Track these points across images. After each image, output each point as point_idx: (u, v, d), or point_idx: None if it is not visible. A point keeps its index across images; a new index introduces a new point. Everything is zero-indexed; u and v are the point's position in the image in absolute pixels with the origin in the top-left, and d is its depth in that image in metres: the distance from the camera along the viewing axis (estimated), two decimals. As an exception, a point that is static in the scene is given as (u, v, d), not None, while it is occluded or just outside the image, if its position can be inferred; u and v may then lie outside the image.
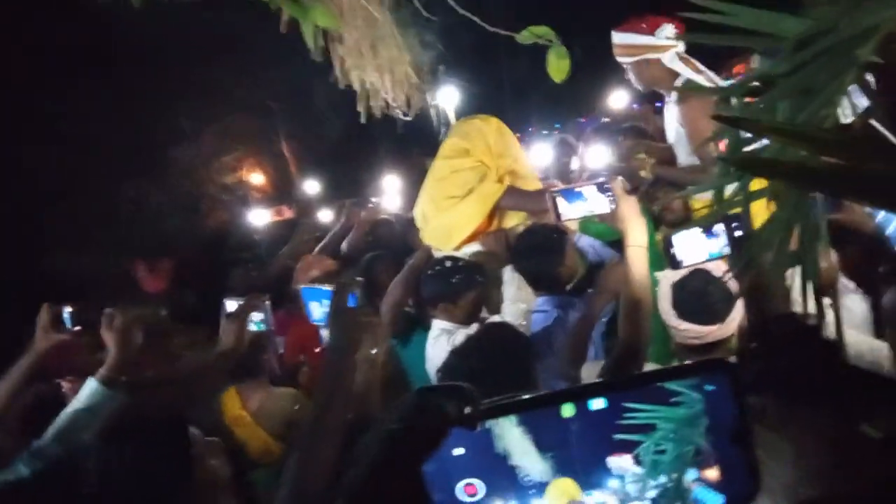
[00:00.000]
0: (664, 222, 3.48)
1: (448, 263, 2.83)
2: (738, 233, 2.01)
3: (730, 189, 1.39)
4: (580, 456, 0.60)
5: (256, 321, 2.25)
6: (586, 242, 2.99)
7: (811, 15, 1.09)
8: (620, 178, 2.19)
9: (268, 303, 2.25)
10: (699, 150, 3.08)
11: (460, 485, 0.61)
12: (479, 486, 0.61)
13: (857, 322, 2.40)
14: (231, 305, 2.28)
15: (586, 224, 3.08)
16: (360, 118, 2.86)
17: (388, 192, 6.16)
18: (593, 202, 2.18)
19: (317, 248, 4.45)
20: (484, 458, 0.61)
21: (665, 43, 3.11)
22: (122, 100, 6.90)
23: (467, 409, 0.60)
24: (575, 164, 4.39)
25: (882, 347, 2.03)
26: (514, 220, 3.09)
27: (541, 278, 2.71)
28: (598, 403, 0.60)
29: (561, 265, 2.68)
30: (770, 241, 1.35)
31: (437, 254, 3.12)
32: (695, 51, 3.22)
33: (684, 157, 3.27)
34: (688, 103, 3.11)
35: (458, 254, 3.04)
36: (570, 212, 2.23)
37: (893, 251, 2.53)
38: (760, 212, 1.44)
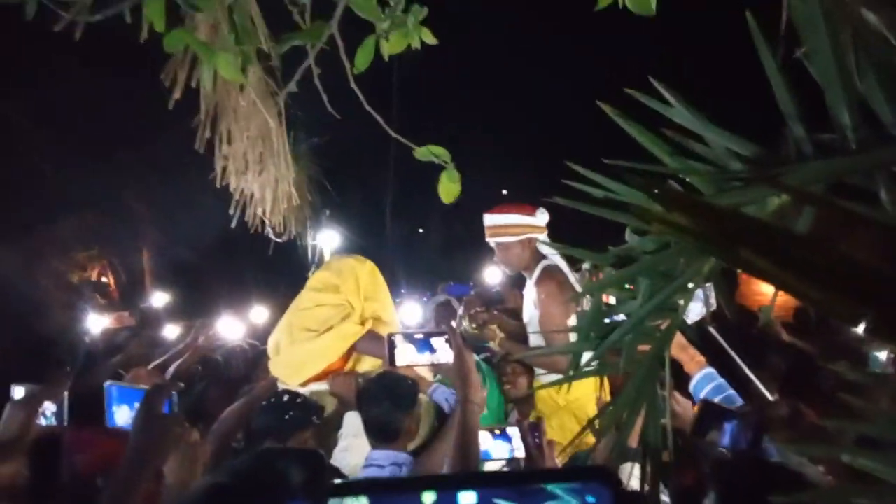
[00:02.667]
0: (508, 398, 3.53)
1: (285, 398, 2.66)
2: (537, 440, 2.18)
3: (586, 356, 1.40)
4: None
5: (48, 415, 1.95)
6: (441, 395, 2.91)
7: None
8: (462, 332, 2.27)
9: (66, 394, 1.98)
10: (547, 333, 3.22)
11: None
12: None
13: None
14: (19, 392, 1.98)
15: (446, 377, 3.04)
16: (231, 241, 2.78)
17: (242, 320, 5.91)
18: (434, 352, 2.23)
19: (152, 364, 4.09)
20: None
21: (542, 224, 3.34)
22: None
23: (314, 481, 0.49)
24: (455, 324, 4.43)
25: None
26: (368, 366, 2.99)
27: (382, 429, 2.58)
28: (467, 499, 0.51)
29: (408, 418, 2.57)
30: (610, 425, 1.35)
31: (281, 387, 2.94)
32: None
33: (535, 338, 3.39)
34: (545, 286, 3.28)
35: (302, 390, 2.87)
36: (408, 358, 2.26)
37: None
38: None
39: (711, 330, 2.14)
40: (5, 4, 1.41)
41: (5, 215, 7.05)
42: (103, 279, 9.89)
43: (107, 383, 2.00)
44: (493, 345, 3.43)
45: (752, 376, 2.23)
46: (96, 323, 6.30)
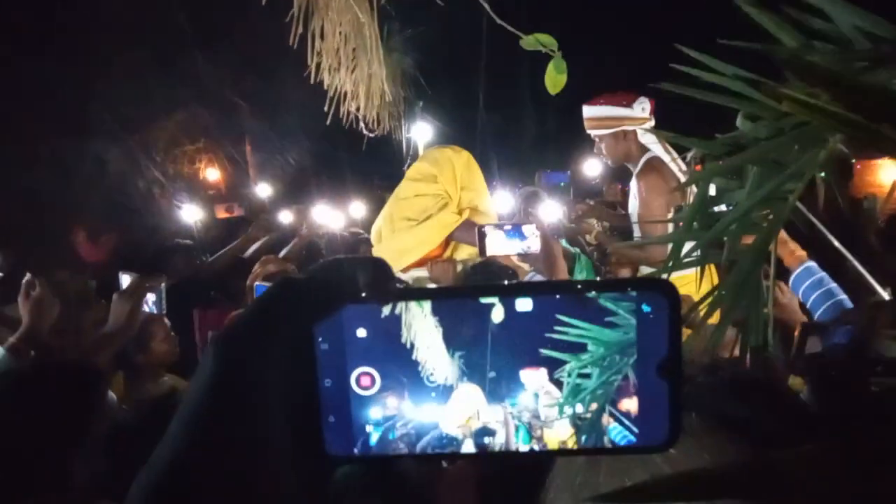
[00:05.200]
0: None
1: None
2: None
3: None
4: (494, 363, 0.51)
5: (150, 304, 2.13)
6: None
7: (796, 86, 1.12)
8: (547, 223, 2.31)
9: (163, 285, 2.14)
10: (645, 225, 3.17)
11: (355, 373, 0.53)
12: (375, 379, 0.53)
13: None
14: (126, 279, 2.14)
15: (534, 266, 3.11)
16: (328, 135, 2.85)
17: (341, 210, 6.15)
18: (523, 239, 2.28)
19: (282, 253, 4.35)
20: (387, 347, 0.52)
21: (641, 115, 3.22)
22: (95, 64, 6.74)
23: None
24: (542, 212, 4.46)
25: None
26: (465, 254, 3.08)
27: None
28: (524, 305, 0.51)
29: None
30: (711, 314, 1.36)
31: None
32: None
33: (637, 230, 3.35)
34: (646, 178, 3.20)
35: (403, 276, 3.00)
36: (498, 247, 2.32)
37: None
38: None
39: (817, 223, 2.04)
40: None
41: (115, 113, 7.43)
42: (210, 170, 10.38)
43: (256, 283, 2.17)
44: (589, 237, 3.44)
45: (864, 272, 2.14)
46: (204, 213, 6.66)
